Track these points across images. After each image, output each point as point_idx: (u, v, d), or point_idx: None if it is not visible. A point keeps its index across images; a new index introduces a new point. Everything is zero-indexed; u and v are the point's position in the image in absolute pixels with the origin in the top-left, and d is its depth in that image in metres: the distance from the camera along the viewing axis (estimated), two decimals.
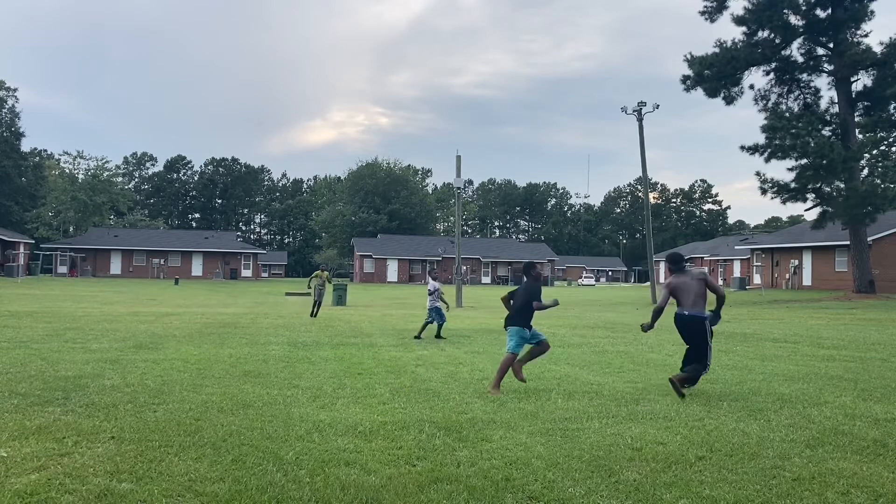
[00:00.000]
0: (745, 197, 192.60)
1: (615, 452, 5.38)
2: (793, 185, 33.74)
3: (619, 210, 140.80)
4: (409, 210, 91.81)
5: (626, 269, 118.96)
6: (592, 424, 6.34)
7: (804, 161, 32.95)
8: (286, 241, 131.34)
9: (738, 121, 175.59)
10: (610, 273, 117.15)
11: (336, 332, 15.70)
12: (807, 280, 47.18)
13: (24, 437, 5.58)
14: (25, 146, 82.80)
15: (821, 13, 34.20)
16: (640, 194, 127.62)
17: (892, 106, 33.96)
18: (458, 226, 33.64)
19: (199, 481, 4.57)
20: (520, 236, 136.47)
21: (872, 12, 33.66)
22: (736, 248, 64.74)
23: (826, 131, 34.28)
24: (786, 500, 4.35)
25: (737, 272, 63.29)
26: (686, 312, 8.06)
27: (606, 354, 11.98)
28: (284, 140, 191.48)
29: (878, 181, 36.19)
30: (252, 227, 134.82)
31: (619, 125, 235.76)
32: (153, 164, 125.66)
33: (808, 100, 35.99)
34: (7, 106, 75.43)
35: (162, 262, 70.62)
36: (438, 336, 14.79)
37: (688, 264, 8.67)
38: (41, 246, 69.74)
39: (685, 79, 35.48)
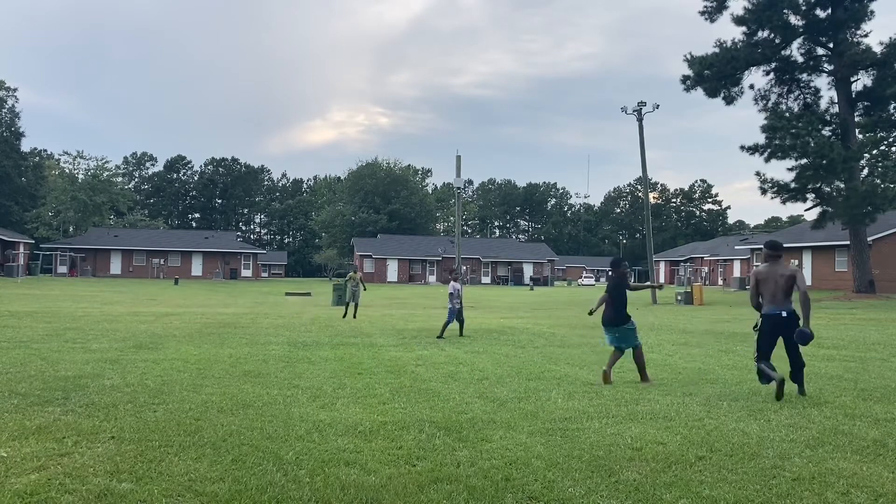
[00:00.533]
0: (745, 197, 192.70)
1: (615, 452, 5.38)
2: (793, 185, 33.74)
3: (619, 210, 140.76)
4: (409, 210, 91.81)
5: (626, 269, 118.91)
6: (592, 424, 6.34)
7: (804, 161, 32.95)
8: (286, 241, 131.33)
9: (738, 121, 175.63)
10: (610, 273, 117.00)
11: (336, 332, 15.70)
12: (807, 280, 47.12)
13: (24, 437, 5.58)
14: (25, 146, 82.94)
15: (821, 13, 34.21)
16: (640, 194, 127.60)
17: (892, 106, 33.96)
18: (458, 226, 33.58)
19: (199, 481, 4.57)
20: (520, 236, 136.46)
21: (872, 12, 33.69)
22: (736, 248, 64.74)
23: (826, 131, 34.29)
24: (786, 500, 4.35)
25: (737, 272, 63.28)
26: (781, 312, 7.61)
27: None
28: (284, 140, 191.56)
29: (878, 181, 36.16)
30: (252, 227, 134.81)
31: (619, 125, 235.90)
32: (153, 164, 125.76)
33: (808, 100, 36.00)
34: (7, 106, 75.45)
35: (162, 262, 70.62)
36: (461, 334, 15.19)
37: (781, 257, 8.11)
38: (41, 246, 69.73)
39: (685, 79, 35.48)
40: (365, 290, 21.72)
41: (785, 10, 33.53)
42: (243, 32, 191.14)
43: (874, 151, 38.61)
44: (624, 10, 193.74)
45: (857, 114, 34.69)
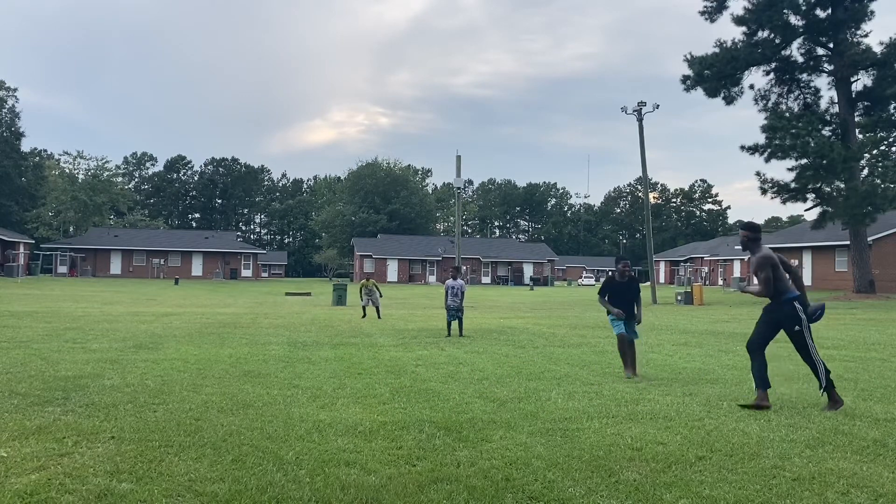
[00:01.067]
0: (745, 197, 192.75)
1: (615, 452, 5.38)
2: (793, 185, 33.76)
3: (619, 210, 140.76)
4: (409, 210, 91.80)
5: None
6: (592, 424, 6.34)
7: (804, 161, 32.96)
8: (286, 241, 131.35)
9: (738, 121, 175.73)
10: (610, 273, 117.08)
11: (336, 332, 15.70)
12: (807, 280, 47.15)
13: (24, 437, 5.58)
14: (25, 146, 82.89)
15: (821, 13, 34.22)
16: (640, 194, 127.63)
17: (892, 106, 33.97)
18: (458, 226, 33.66)
19: (199, 481, 4.57)
20: (520, 236, 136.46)
21: (872, 12, 33.71)
22: (736, 248, 64.68)
23: (826, 131, 34.30)
24: (786, 500, 4.35)
25: (737, 272, 63.28)
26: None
27: (606, 354, 11.98)
28: (284, 140, 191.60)
29: (878, 181, 36.15)
30: (252, 227, 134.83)
31: (619, 125, 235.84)
32: (153, 164, 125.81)
33: (808, 100, 36.01)
34: (7, 106, 75.44)
35: (162, 262, 70.62)
36: (460, 335, 15.03)
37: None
38: (41, 246, 69.75)
39: (685, 79, 35.49)
40: (381, 296, 21.65)
41: (785, 10, 33.54)
42: (243, 32, 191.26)
43: (874, 151, 38.60)
44: (624, 10, 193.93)
45: (857, 114, 34.69)
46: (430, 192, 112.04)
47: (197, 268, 71.76)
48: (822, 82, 63.01)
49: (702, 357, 11.74)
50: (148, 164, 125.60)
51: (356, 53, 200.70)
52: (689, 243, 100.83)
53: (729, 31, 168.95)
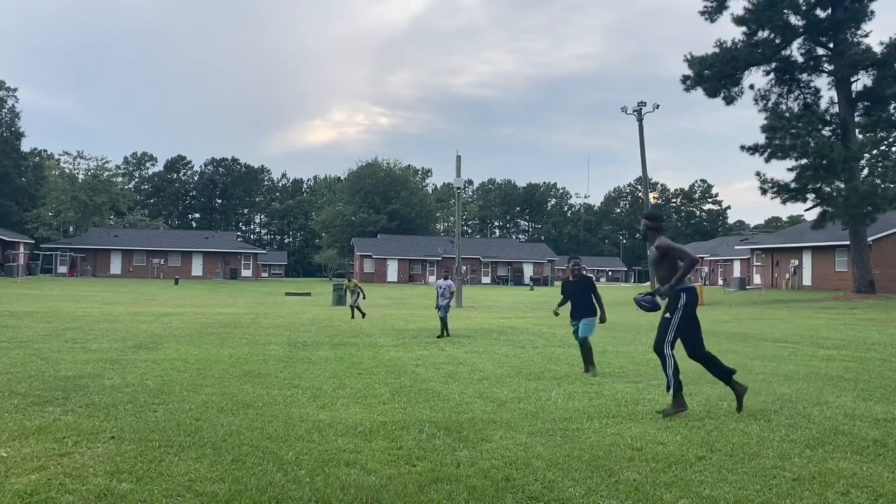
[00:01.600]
0: (745, 197, 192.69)
1: (615, 452, 5.38)
2: (793, 185, 33.74)
3: (619, 210, 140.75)
4: (409, 210, 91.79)
5: (626, 269, 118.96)
6: (592, 424, 6.34)
7: (804, 161, 32.93)
8: (286, 241, 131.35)
9: (738, 121, 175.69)
10: (610, 273, 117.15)
11: (336, 332, 15.70)
12: (807, 280, 47.18)
13: (24, 437, 5.58)
14: (25, 146, 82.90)
15: (821, 13, 34.20)
16: (640, 194, 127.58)
17: (892, 106, 33.94)
18: (458, 226, 33.65)
19: (199, 481, 4.57)
20: (520, 236, 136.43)
21: (872, 12, 33.67)
22: (736, 248, 64.75)
23: (826, 131, 34.28)
24: (786, 500, 4.35)
25: (737, 272, 63.29)
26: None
27: (606, 354, 11.98)
28: (284, 140, 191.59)
29: (878, 181, 36.16)
30: (252, 227, 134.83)
31: (619, 125, 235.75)
32: (153, 164, 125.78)
33: (808, 100, 35.99)
34: (7, 106, 75.46)
35: (162, 262, 70.63)
36: (447, 335, 14.93)
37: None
38: (41, 246, 69.75)
39: (685, 79, 35.48)
40: (364, 297, 21.36)
41: (785, 10, 33.53)
42: (243, 32, 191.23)
43: (874, 151, 38.63)
44: (624, 10, 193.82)
45: (857, 114, 34.68)
46: (430, 192, 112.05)
47: (197, 268, 71.77)
48: (822, 82, 63.06)
49: None
50: (148, 164, 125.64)
51: (356, 53, 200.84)
52: (689, 243, 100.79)
53: (729, 31, 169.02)
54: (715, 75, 34.74)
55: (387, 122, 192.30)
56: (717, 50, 34.90)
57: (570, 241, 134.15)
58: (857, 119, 34.66)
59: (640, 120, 36.26)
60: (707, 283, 70.99)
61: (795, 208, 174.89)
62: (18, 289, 36.36)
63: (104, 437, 5.64)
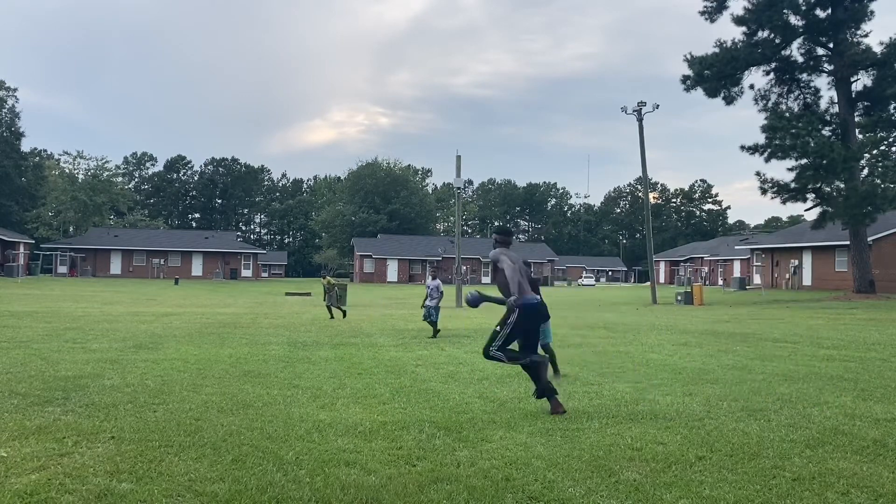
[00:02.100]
0: (745, 197, 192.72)
1: (615, 452, 5.38)
2: (793, 185, 33.73)
3: (619, 210, 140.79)
4: (409, 210, 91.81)
5: (626, 269, 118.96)
6: (592, 424, 6.34)
7: (804, 161, 32.93)
8: (286, 241, 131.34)
9: (738, 121, 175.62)
10: (610, 273, 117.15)
11: (336, 332, 15.70)
12: (807, 280, 47.17)
13: (24, 437, 5.58)
14: (25, 146, 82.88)
15: (821, 13, 34.20)
16: (640, 194, 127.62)
17: (892, 106, 33.93)
18: (458, 226, 33.64)
19: (199, 481, 4.57)
20: (520, 236, 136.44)
21: (872, 12, 33.67)
22: (736, 248, 64.75)
23: (826, 131, 34.27)
24: (786, 500, 4.35)
25: (737, 272, 63.29)
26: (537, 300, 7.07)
27: (606, 354, 11.98)
28: (284, 140, 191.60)
29: (878, 181, 36.15)
30: (252, 227, 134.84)
31: (619, 125, 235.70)
32: (153, 164, 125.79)
33: (808, 100, 35.98)
34: (7, 106, 75.44)
35: (162, 262, 70.62)
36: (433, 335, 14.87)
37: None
38: (41, 246, 69.74)
39: (685, 79, 35.47)
40: (340, 297, 20.66)
41: (785, 10, 33.52)
42: (243, 32, 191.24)
43: (874, 151, 38.60)
44: (624, 10, 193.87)
45: (857, 114, 34.67)
46: (430, 192, 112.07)
47: (197, 268, 71.76)
48: (822, 82, 63.03)
49: (702, 357, 11.73)
50: (148, 164, 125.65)
51: (356, 53, 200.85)
52: (689, 243, 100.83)
53: (729, 31, 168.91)
54: (715, 75, 34.73)
55: (387, 122, 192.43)
56: (717, 50, 34.90)
57: (570, 241, 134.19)
58: (857, 119, 34.65)
59: (640, 120, 36.25)
60: (707, 283, 71.00)
61: (795, 208, 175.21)
62: (18, 289, 36.36)
63: (104, 437, 5.64)
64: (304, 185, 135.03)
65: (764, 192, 34.45)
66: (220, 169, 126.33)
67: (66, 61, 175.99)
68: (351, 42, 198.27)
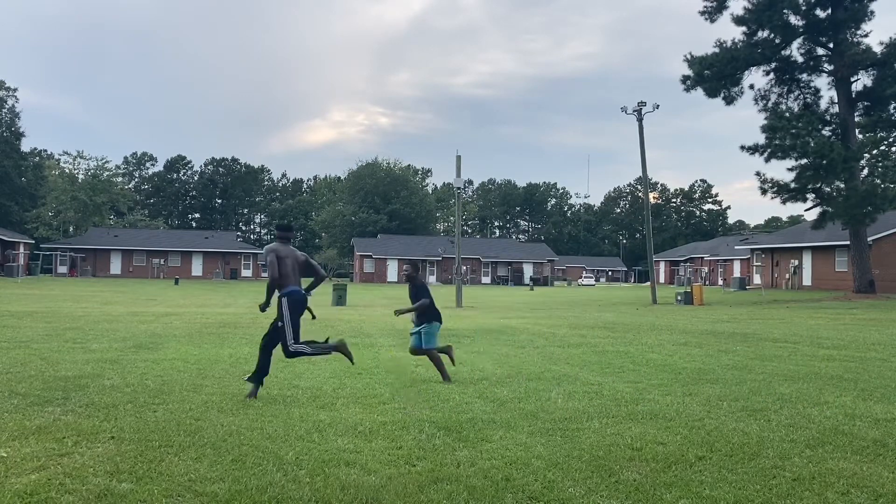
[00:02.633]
0: (745, 197, 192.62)
1: (615, 452, 5.38)
2: (793, 185, 33.75)
3: (619, 210, 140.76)
4: (409, 210, 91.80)
5: (626, 269, 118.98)
6: (592, 424, 6.34)
7: (804, 161, 32.96)
8: None
9: (738, 121, 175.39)
10: (610, 273, 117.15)
11: (336, 332, 15.69)
12: (807, 280, 47.17)
13: (24, 437, 5.58)
14: (25, 146, 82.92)
15: (821, 13, 34.22)
16: (640, 194, 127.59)
17: (892, 106, 33.97)
18: (458, 226, 33.65)
19: (199, 481, 4.57)
20: (520, 236, 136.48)
21: (872, 12, 33.71)
22: (736, 248, 64.74)
23: (826, 131, 34.31)
24: (786, 500, 4.35)
25: (737, 272, 63.29)
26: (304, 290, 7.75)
27: (606, 354, 11.98)
28: (284, 140, 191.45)
29: (878, 181, 36.22)
30: (252, 227, 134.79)
31: (619, 125, 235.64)
32: (153, 164, 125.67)
33: (808, 100, 36.01)
34: (7, 106, 75.47)
35: (162, 262, 70.62)
36: None
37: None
38: (41, 246, 69.73)
39: (685, 79, 35.49)
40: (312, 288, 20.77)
41: (785, 10, 33.54)
42: (243, 32, 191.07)
43: (874, 151, 38.67)
44: (624, 10, 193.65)
45: (857, 114, 34.70)
46: (430, 192, 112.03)
47: (197, 268, 71.76)
48: (822, 82, 63.00)
49: (702, 357, 11.74)
50: (148, 164, 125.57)
51: (356, 53, 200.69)
52: (689, 243, 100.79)
53: (729, 31, 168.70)
54: (715, 75, 34.76)
55: (387, 122, 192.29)
56: (717, 50, 34.93)
57: (570, 241, 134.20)
58: (857, 119, 34.68)
59: (640, 120, 36.24)
60: (707, 283, 71.01)
61: (795, 208, 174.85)
62: (18, 289, 36.36)
63: (104, 437, 5.64)
64: (304, 186, 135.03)
65: (764, 192, 34.49)
66: (220, 169, 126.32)
67: (65, 61, 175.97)
68: (351, 42, 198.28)
